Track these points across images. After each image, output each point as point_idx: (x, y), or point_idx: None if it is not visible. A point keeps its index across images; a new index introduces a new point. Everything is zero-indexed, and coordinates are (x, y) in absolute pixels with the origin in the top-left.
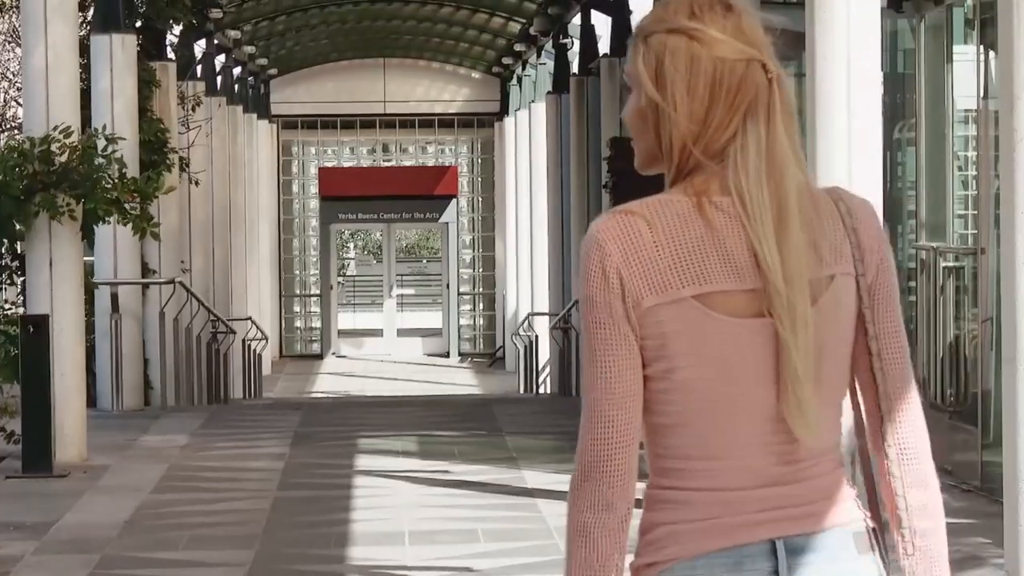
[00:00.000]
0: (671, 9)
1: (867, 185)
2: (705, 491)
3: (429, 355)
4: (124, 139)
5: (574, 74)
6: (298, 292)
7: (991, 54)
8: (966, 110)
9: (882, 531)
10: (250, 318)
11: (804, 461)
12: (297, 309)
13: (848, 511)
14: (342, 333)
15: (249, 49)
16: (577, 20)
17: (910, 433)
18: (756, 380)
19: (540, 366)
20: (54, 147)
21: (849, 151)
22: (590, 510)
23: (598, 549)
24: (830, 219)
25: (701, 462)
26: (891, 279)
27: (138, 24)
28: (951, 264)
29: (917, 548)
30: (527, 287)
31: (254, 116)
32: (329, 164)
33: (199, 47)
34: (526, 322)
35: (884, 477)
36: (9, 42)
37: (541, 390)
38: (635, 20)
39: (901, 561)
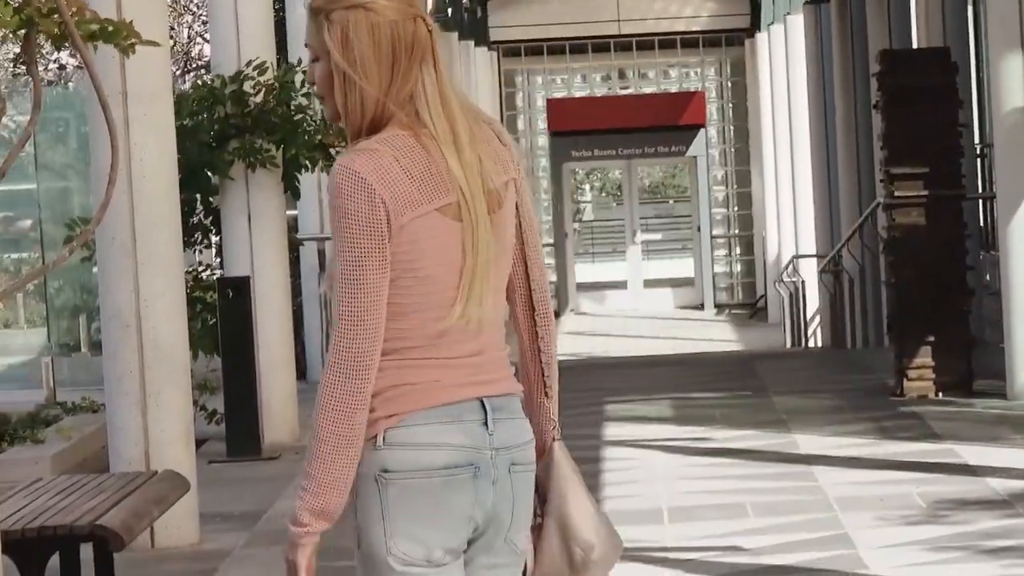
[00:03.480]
0: None
1: None
2: (431, 359)
3: (681, 308)
4: None
5: None
6: None
7: None
8: None
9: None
10: None
11: (488, 338)
12: None
13: (514, 383)
14: (581, 287)
15: None
16: None
17: (544, 302)
18: (459, 271)
19: (808, 316)
20: (247, 86)
21: None
22: (358, 406)
23: (357, 444)
24: (494, 139)
25: (429, 339)
26: (525, 183)
27: None
28: None
29: (550, 391)
30: (790, 227)
31: (471, 43)
32: (559, 95)
33: None
34: (790, 266)
35: (532, 341)
36: None
37: (810, 343)
38: None
39: (540, 400)
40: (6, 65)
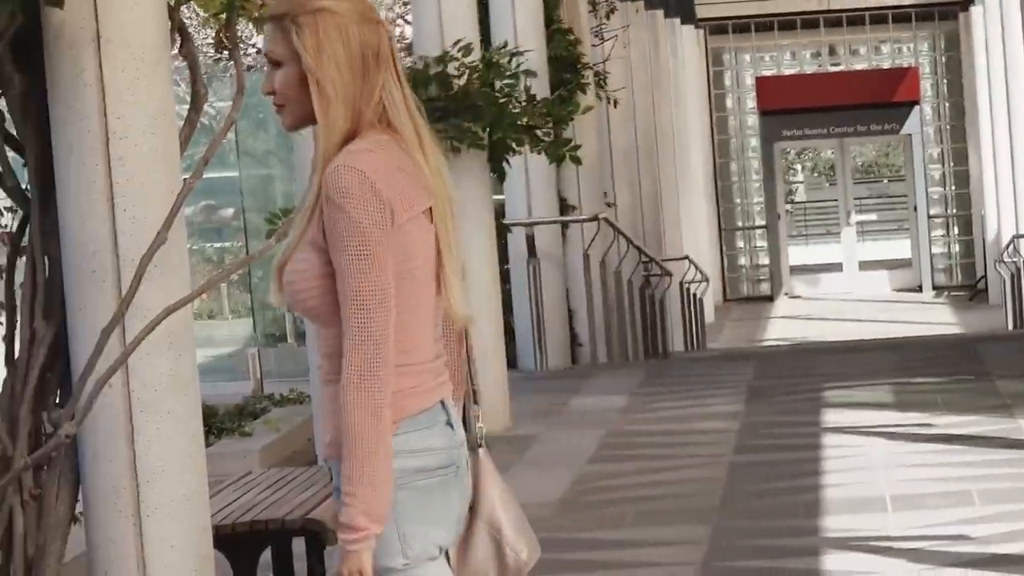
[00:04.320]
0: None
1: None
2: (415, 364)
3: (898, 290)
4: (532, 51)
5: None
6: (740, 224)
7: None
8: None
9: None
10: (687, 257)
11: (439, 342)
12: (740, 244)
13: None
14: (794, 270)
15: None
16: None
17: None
18: (434, 274)
19: None
20: (451, 68)
21: None
22: (384, 403)
23: (390, 440)
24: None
25: (411, 341)
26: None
27: None
28: None
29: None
30: (1009, 205)
31: (677, 21)
32: (767, 73)
33: None
34: (1011, 246)
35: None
36: None
37: None
38: None
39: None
40: (205, 50)
